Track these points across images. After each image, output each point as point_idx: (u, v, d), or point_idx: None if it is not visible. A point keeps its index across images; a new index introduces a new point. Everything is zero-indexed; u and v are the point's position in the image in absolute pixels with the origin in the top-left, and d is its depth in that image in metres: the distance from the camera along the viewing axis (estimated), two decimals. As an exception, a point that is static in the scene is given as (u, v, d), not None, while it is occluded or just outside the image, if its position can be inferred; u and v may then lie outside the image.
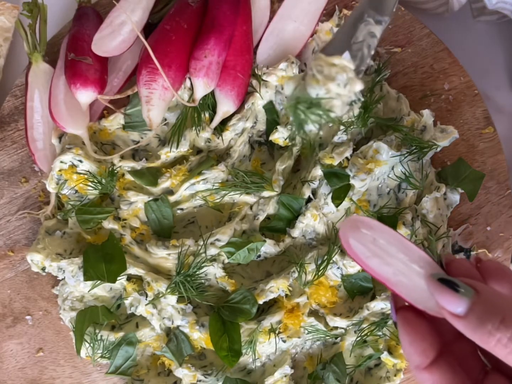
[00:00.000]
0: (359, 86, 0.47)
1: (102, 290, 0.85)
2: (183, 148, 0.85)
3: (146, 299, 0.82)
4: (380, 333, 0.81)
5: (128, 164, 0.84)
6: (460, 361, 0.50)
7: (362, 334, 0.82)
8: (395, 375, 0.83)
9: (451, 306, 0.45)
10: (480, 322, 0.44)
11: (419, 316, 0.49)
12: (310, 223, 0.84)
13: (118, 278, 0.81)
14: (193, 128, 0.85)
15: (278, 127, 0.84)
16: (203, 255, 0.82)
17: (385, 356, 0.82)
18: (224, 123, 0.87)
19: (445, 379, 0.48)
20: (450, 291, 0.45)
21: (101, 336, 0.82)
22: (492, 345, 0.44)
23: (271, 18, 0.89)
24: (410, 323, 0.49)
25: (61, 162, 0.83)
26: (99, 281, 0.80)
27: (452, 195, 0.86)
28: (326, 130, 0.88)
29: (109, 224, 0.84)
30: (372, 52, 0.49)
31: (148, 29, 0.86)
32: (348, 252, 0.50)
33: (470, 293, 0.45)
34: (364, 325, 0.82)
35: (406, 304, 0.50)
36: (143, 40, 0.79)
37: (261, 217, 0.85)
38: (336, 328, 0.83)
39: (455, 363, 0.48)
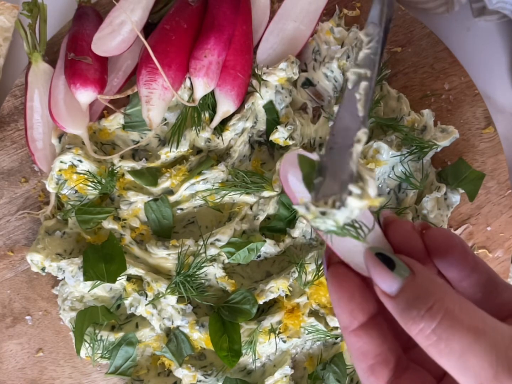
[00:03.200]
0: None
1: (102, 290, 0.85)
2: (183, 148, 0.85)
3: (146, 299, 0.82)
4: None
5: (128, 164, 0.84)
6: (394, 325, 0.45)
7: (362, 334, 0.82)
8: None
9: (384, 284, 0.42)
10: (407, 306, 0.40)
11: (351, 274, 0.45)
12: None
13: (118, 278, 0.81)
14: (193, 128, 0.85)
15: (278, 127, 0.84)
16: (203, 255, 0.82)
17: (385, 356, 0.82)
18: (224, 123, 0.87)
19: (371, 345, 0.43)
20: (385, 269, 0.42)
21: (101, 336, 0.82)
22: (414, 333, 0.40)
23: (271, 18, 0.89)
24: (339, 280, 0.44)
25: (61, 162, 0.83)
26: (99, 281, 0.80)
27: (452, 195, 0.85)
28: (326, 129, 0.88)
29: (109, 224, 0.84)
30: None
31: (148, 29, 0.86)
32: (285, 189, 0.45)
33: (405, 274, 0.41)
34: (364, 325, 0.82)
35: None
36: (143, 39, 0.79)
37: (261, 217, 0.84)
38: (336, 328, 0.83)
39: (387, 330, 0.44)
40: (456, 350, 0.38)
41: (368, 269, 0.43)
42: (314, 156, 0.44)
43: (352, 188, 0.38)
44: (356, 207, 0.39)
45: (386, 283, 0.41)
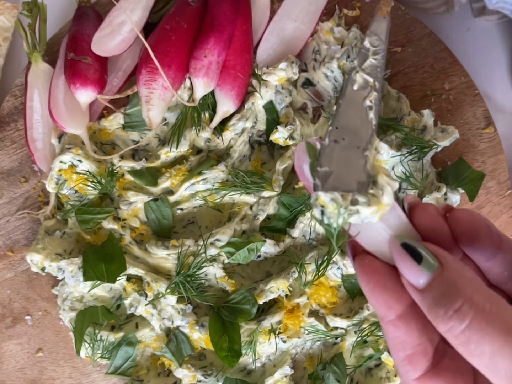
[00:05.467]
0: None
1: (102, 290, 0.85)
2: (183, 148, 0.85)
3: (146, 300, 0.82)
4: (380, 333, 0.81)
5: (128, 164, 0.84)
6: None
7: (363, 334, 0.82)
8: (395, 376, 0.82)
9: (410, 277, 0.40)
10: (434, 303, 0.38)
11: (379, 264, 0.43)
12: (310, 223, 0.84)
13: (118, 278, 0.81)
14: (193, 128, 0.85)
15: (278, 127, 0.84)
16: (203, 255, 0.82)
17: (385, 357, 0.82)
18: (224, 123, 0.87)
19: (410, 336, 0.42)
20: (411, 261, 0.40)
21: (101, 336, 0.82)
22: (442, 331, 0.38)
23: (271, 18, 0.89)
24: (368, 271, 0.42)
25: (61, 162, 0.83)
26: (98, 281, 0.80)
27: (452, 195, 0.85)
28: (326, 129, 0.87)
29: (108, 224, 0.84)
30: None
31: (148, 29, 0.86)
32: (300, 178, 0.45)
33: (433, 265, 0.39)
34: (364, 326, 0.82)
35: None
36: (143, 39, 0.79)
37: (261, 217, 0.84)
38: (336, 328, 0.83)
39: (426, 318, 0.41)
40: (486, 352, 0.36)
41: (394, 259, 0.42)
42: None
43: (361, 198, 0.41)
44: (368, 213, 0.41)
45: (413, 276, 0.40)
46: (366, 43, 0.50)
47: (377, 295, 0.42)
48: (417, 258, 0.40)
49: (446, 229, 0.44)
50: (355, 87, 0.47)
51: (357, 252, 0.44)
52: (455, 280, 0.39)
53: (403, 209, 0.45)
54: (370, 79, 0.48)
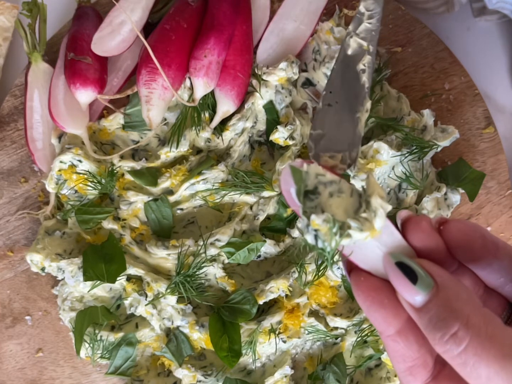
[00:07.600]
0: None
1: (102, 290, 0.85)
2: (183, 148, 0.85)
3: (145, 300, 0.82)
4: (380, 333, 0.81)
5: (128, 164, 0.84)
6: None
7: (363, 334, 0.82)
8: (395, 376, 0.82)
9: (407, 295, 0.39)
10: (431, 326, 0.38)
11: (375, 281, 0.42)
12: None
13: (118, 278, 0.81)
14: (193, 128, 0.85)
15: (278, 127, 0.84)
16: (203, 255, 0.82)
17: (385, 357, 0.82)
18: (224, 123, 0.87)
19: (410, 350, 0.42)
20: (407, 281, 0.39)
21: (101, 336, 0.82)
22: (440, 352, 0.38)
23: (271, 18, 0.89)
24: (364, 289, 0.42)
25: (61, 162, 0.83)
26: (98, 282, 0.80)
27: (452, 195, 0.85)
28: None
29: (108, 224, 0.84)
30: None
31: (148, 29, 0.86)
32: (288, 202, 0.43)
33: (429, 286, 0.39)
34: (364, 326, 0.82)
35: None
36: (143, 39, 0.79)
37: (261, 217, 0.84)
38: (337, 328, 0.83)
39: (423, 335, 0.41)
40: (482, 375, 0.36)
41: (389, 277, 0.41)
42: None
43: (354, 223, 0.40)
44: (361, 238, 0.40)
45: (408, 295, 0.40)
46: (361, 8, 0.51)
47: (375, 313, 0.42)
48: (412, 277, 0.40)
49: (440, 243, 0.43)
50: (349, 51, 0.49)
51: (352, 267, 0.44)
52: (451, 302, 0.38)
53: (396, 225, 0.44)
54: (364, 43, 0.49)
